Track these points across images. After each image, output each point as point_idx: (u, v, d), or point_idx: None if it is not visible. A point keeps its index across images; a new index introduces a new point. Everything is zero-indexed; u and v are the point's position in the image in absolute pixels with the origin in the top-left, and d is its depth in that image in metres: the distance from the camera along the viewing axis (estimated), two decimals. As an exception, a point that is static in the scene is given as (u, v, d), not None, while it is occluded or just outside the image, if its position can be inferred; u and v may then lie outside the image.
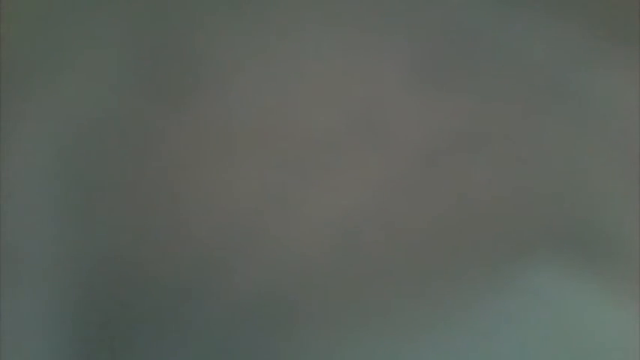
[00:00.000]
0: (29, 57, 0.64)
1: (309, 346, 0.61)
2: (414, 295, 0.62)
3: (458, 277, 0.62)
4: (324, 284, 0.62)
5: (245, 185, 0.63)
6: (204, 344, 0.61)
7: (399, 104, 0.64)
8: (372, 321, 0.61)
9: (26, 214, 0.63)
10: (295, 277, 0.62)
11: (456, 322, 0.61)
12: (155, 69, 0.64)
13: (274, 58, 0.64)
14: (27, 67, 0.64)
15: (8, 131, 0.63)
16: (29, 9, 0.65)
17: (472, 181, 0.63)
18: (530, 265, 0.62)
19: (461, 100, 0.64)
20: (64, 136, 0.64)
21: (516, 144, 0.63)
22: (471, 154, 0.63)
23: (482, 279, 0.62)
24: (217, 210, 0.63)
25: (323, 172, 0.63)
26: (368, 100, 0.64)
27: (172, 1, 0.65)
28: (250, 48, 0.64)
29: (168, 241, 0.62)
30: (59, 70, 0.64)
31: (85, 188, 0.63)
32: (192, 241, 0.62)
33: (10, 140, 0.63)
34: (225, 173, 0.63)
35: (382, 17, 0.65)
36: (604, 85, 0.64)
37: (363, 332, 0.61)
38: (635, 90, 0.64)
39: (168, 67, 0.64)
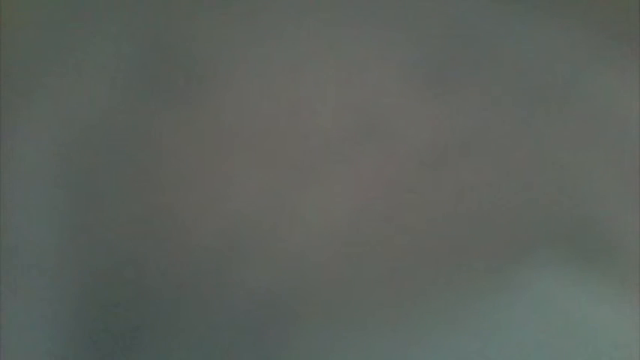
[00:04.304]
0: (29, 58, 0.64)
1: (309, 349, 0.61)
2: (414, 296, 0.62)
3: (458, 277, 0.62)
4: (325, 286, 0.62)
5: (245, 187, 0.63)
6: (204, 347, 0.61)
7: (400, 106, 0.64)
8: (373, 323, 0.61)
9: (26, 215, 0.63)
10: (296, 279, 0.62)
11: (457, 323, 0.61)
12: (155, 71, 0.64)
13: (276, 59, 0.64)
14: (27, 68, 0.64)
15: (8, 132, 0.63)
16: (29, 9, 0.65)
17: (473, 182, 0.63)
18: (530, 265, 0.62)
19: (462, 102, 0.64)
20: (64, 138, 0.64)
21: (517, 145, 0.63)
22: (471, 155, 0.63)
23: (483, 279, 0.62)
24: (218, 212, 0.63)
25: (323, 174, 0.63)
26: (369, 102, 0.64)
27: (172, 2, 0.65)
28: (250, 49, 0.64)
29: (169, 243, 0.62)
30: (59, 71, 0.64)
31: (84, 189, 0.63)
32: (192, 243, 0.62)
33: (10, 141, 0.63)
34: (226, 176, 0.63)
35: (383, 19, 0.65)
36: (604, 86, 0.64)
37: (364, 334, 0.61)
38: (635, 90, 0.64)
39: (168, 69, 0.64)
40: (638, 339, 0.61)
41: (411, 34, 0.64)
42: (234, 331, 0.62)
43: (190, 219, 0.63)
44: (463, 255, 0.62)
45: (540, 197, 0.63)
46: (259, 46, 0.64)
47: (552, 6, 0.65)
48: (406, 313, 0.62)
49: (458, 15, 0.65)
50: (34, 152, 0.63)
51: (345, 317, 0.61)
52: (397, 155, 0.63)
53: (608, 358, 0.61)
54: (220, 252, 0.62)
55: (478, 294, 0.62)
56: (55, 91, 0.64)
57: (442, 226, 0.62)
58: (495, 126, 0.64)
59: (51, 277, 0.62)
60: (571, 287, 0.62)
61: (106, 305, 0.62)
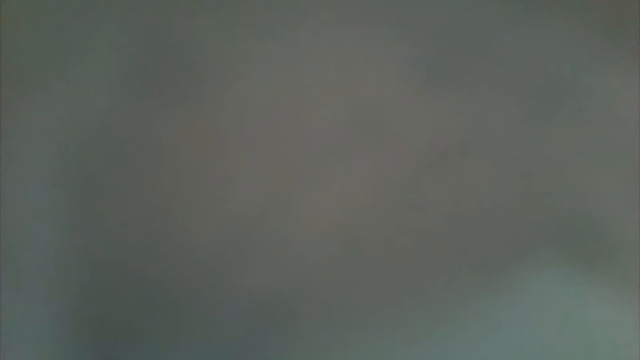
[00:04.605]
0: (29, 58, 0.64)
1: (309, 349, 0.61)
2: (414, 296, 0.62)
3: (458, 277, 0.62)
4: (325, 286, 0.62)
5: (246, 188, 0.63)
6: (204, 346, 0.61)
7: (400, 106, 0.64)
8: (373, 323, 0.61)
9: (27, 216, 0.63)
10: (295, 279, 0.62)
11: (457, 323, 0.61)
12: (155, 71, 0.64)
13: (276, 59, 0.64)
14: (27, 69, 0.64)
15: (8, 133, 0.63)
16: (29, 10, 0.65)
17: (472, 181, 0.63)
18: (530, 265, 0.62)
19: (461, 102, 0.64)
20: (64, 138, 0.64)
21: (517, 145, 0.63)
22: (471, 155, 0.63)
23: (483, 280, 0.62)
24: (218, 213, 0.63)
25: (323, 174, 0.63)
26: (369, 103, 0.64)
27: (171, 3, 0.65)
28: (250, 49, 0.64)
29: (169, 243, 0.62)
30: (59, 72, 0.64)
31: (85, 189, 0.63)
32: (192, 242, 0.62)
33: (11, 142, 0.63)
34: (226, 176, 0.63)
35: (383, 19, 0.65)
36: (604, 86, 0.64)
37: (364, 334, 0.61)
38: (634, 90, 0.64)
39: (168, 70, 0.64)
40: (638, 339, 0.61)
41: (411, 35, 0.64)
42: (234, 331, 0.61)
43: (190, 219, 0.63)
44: (463, 255, 0.62)
45: (540, 197, 0.63)
46: (259, 46, 0.64)
47: (552, 6, 0.65)
48: (406, 313, 0.61)
49: (458, 15, 0.65)
50: (34, 152, 0.63)
51: (345, 317, 0.61)
52: (397, 155, 0.63)
53: (608, 358, 0.60)
54: (220, 252, 0.62)
55: (478, 294, 0.62)
56: (55, 91, 0.64)
57: (442, 226, 0.62)
58: (495, 126, 0.64)
59: (51, 277, 0.62)
60: (571, 287, 0.62)
61: (105, 305, 0.62)
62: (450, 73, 0.64)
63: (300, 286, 0.62)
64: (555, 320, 0.61)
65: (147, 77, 0.64)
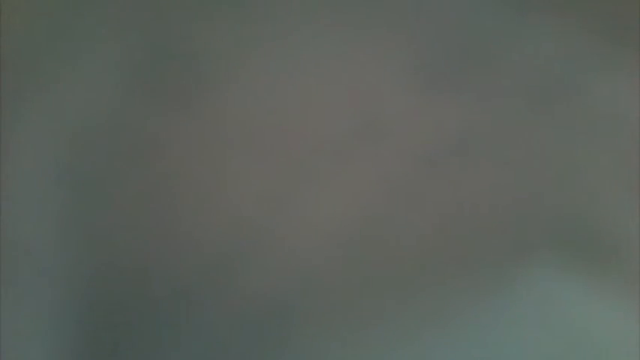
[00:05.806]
0: (29, 58, 0.64)
1: (309, 351, 0.61)
2: (415, 298, 0.62)
3: (458, 279, 0.62)
4: (326, 288, 0.62)
5: (246, 189, 0.63)
6: (204, 348, 0.61)
7: (400, 107, 0.64)
8: (373, 325, 0.61)
9: (27, 216, 0.63)
10: (296, 281, 0.62)
11: (457, 325, 0.61)
12: (155, 71, 0.64)
13: (275, 60, 0.64)
14: (27, 69, 0.64)
15: (8, 133, 0.63)
16: (29, 10, 0.65)
17: (473, 182, 0.63)
18: (530, 266, 0.62)
19: (462, 103, 0.64)
20: (64, 138, 0.64)
21: (517, 146, 0.63)
22: (472, 156, 0.63)
23: (483, 280, 0.62)
24: (218, 214, 0.63)
25: (324, 176, 0.63)
26: (369, 103, 0.64)
27: (172, 2, 0.65)
28: (251, 50, 0.64)
29: (169, 244, 0.62)
30: (59, 72, 0.64)
31: (85, 190, 0.63)
32: (193, 244, 0.62)
33: (11, 142, 0.63)
34: (226, 177, 0.63)
35: (384, 19, 0.65)
36: (604, 86, 0.64)
37: (364, 336, 0.61)
38: (635, 91, 0.64)
39: (169, 70, 0.64)
40: (638, 339, 0.61)
41: (412, 35, 0.64)
42: (236, 333, 0.62)
43: (191, 220, 0.63)
44: (464, 255, 0.62)
45: (540, 197, 0.63)
46: (260, 47, 0.64)
47: (552, 7, 0.65)
48: (407, 314, 0.62)
49: (458, 16, 0.65)
50: (34, 152, 0.63)
51: (346, 318, 0.61)
52: (398, 156, 0.63)
53: (608, 358, 0.61)
54: (221, 253, 0.62)
55: (479, 294, 0.62)
56: (55, 91, 0.64)
57: (442, 227, 0.62)
58: (495, 127, 0.64)
59: (51, 278, 0.62)
60: (571, 287, 0.62)
61: (106, 307, 0.62)
62: (450, 74, 0.64)
63: (301, 288, 0.62)
64: (554, 320, 0.61)
65: (148, 77, 0.64)
